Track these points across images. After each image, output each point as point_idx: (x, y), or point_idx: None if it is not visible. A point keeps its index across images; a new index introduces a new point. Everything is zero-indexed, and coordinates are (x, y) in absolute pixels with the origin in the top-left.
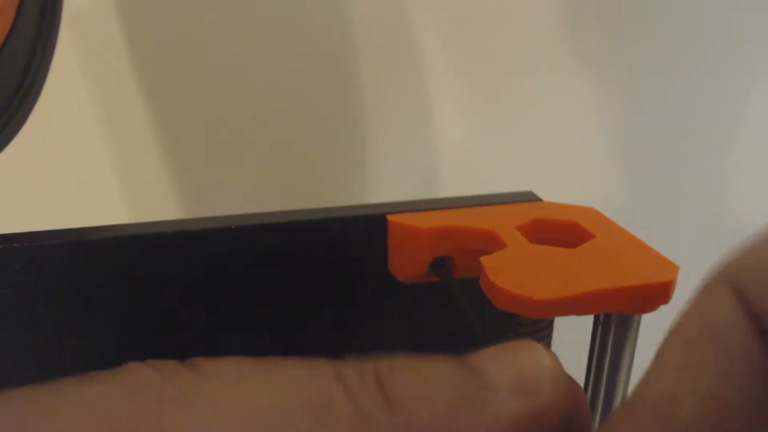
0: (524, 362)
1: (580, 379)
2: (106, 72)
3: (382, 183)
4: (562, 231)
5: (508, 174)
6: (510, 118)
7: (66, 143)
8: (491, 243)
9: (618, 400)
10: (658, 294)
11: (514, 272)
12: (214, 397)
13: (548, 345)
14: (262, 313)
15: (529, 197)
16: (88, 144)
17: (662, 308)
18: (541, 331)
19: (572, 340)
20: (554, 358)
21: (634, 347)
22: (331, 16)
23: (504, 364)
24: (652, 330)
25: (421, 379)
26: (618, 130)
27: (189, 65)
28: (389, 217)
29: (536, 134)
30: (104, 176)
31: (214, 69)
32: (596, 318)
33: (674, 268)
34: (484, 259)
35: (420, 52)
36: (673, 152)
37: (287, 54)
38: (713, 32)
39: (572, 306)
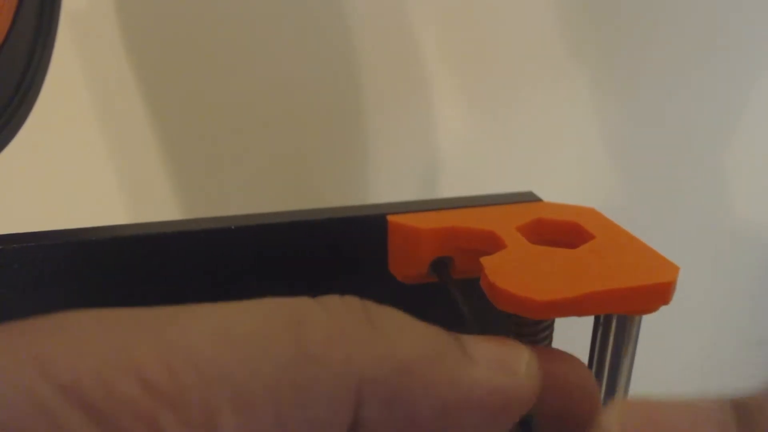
0: (505, 349)
1: None
2: (106, 71)
3: (383, 183)
4: (563, 231)
5: (508, 174)
6: (510, 118)
7: (66, 143)
8: (491, 243)
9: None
10: (658, 295)
11: (514, 273)
12: (196, 315)
13: (548, 345)
14: None
15: (529, 197)
16: (88, 144)
17: (663, 309)
18: (542, 332)
19: (573, 341)
20: (533, 355)
21: (634, 348)
22: (331, 17)
23: (487, 347)
24: (653, 331)
25: (408, 321)
26: (618, 129)
27: (189, 65)
28: (389, 218)
29: (536, 134)
30: (104, 176)
31: (214, 69)
32: (597, 319)
33: (674, 269)
34: (485, 260)
35: (420, 52)
36: (672, 152)
37: (287, 54)
38: (713, 32)
39: (573, 307)
